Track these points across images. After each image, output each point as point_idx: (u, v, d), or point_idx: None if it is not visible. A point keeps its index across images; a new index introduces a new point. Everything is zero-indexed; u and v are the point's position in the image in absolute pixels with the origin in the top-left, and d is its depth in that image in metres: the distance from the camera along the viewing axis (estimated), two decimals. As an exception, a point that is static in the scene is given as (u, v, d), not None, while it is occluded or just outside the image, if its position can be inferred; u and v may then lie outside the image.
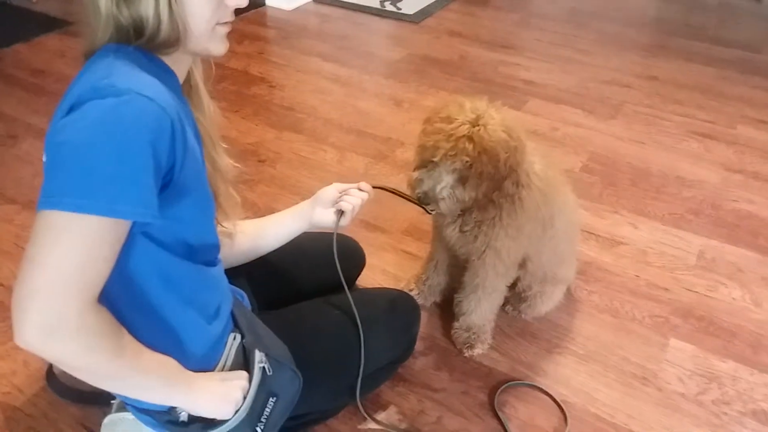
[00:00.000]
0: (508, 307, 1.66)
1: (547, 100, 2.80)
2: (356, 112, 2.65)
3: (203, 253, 0.95)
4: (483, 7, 3.88)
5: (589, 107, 2.74)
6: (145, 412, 0.97)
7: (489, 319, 1.55)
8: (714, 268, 1.87)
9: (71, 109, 0.74)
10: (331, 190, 1.25)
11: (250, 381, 0.99)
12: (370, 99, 2.77)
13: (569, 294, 1.74)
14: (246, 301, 1.20)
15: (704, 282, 1.82)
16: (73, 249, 0.70)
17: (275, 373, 1.04)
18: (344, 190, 1.26)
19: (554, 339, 1.62)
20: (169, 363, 0.89)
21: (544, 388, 1.47)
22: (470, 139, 1.20)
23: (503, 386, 1.47)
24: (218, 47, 0.91)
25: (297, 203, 1.30)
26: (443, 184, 1.26)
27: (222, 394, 0.95)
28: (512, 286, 1.59)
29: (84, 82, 0.78)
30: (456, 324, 1.58)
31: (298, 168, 2.27)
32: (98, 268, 0.72)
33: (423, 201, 1.29)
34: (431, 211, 1.32)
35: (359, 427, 1.37)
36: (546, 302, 1.63)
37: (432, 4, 3.82)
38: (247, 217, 1.27)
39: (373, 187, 1.28)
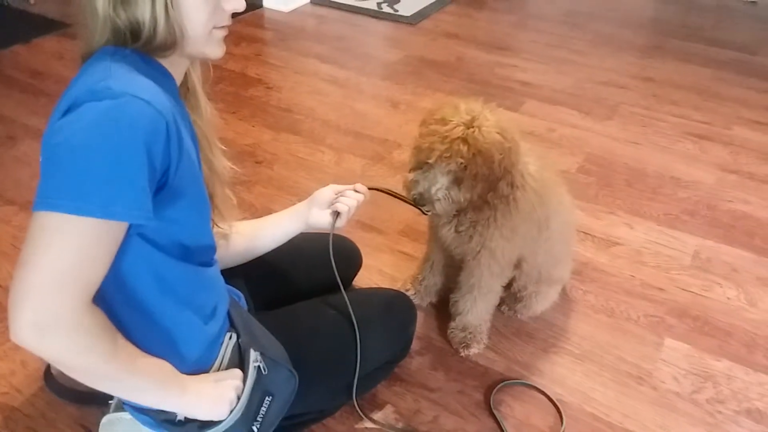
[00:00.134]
0: (504, 307, 1.66)
1: (544, 102, 2.80)
2: (353, 113, 2.65)
3: (199, 255, 0.95)
4: (479, 9, 3.89)
5: (586, 108, 2.75)
6: (142, 411, 0.98)
7: (485, 319, 1.56)
8: (709, 268, 1.88)
9: (68, 111, 0.75)
10: (327, 192, 1.26)
11: (244, 380, 1.00)
12: (367, 100, 2.78)
13: (565, 294, 1.74)
14: (243, 301, 1.20)
15: (699, 282, 1.83)
16: (68, 250, 0.70)
17: (271, 372, 1.04)
18: (340, 192, 1.26)
19: (550, 339, 1.62)
20: (164, 367, 0.89)
21: (539, 387, 1.48)
22: (465, 140, 1.21)
23: (499, 385, 1.47)
24: (215, 51, 0.92)
25: (294, 204, 1.31)
26: (438, 185, 1.27)
27: (216, 395, 0.95)
28: (508, 286, 1.60)
29: (81, 84, 0.78)
30: (452, 324, 1.58)
31: (295, 169, 2.27)
32: (93, 269, 0.73)
33: (418, 202, 1.30)
34: (427, 212, 1.32)
35: (356, 426, 1.38)
36: (541, 302, 1.64)
37: (429, 5, 3.82)
38: (244, 218, 1.28)
39: (369, 189, 1.29)
